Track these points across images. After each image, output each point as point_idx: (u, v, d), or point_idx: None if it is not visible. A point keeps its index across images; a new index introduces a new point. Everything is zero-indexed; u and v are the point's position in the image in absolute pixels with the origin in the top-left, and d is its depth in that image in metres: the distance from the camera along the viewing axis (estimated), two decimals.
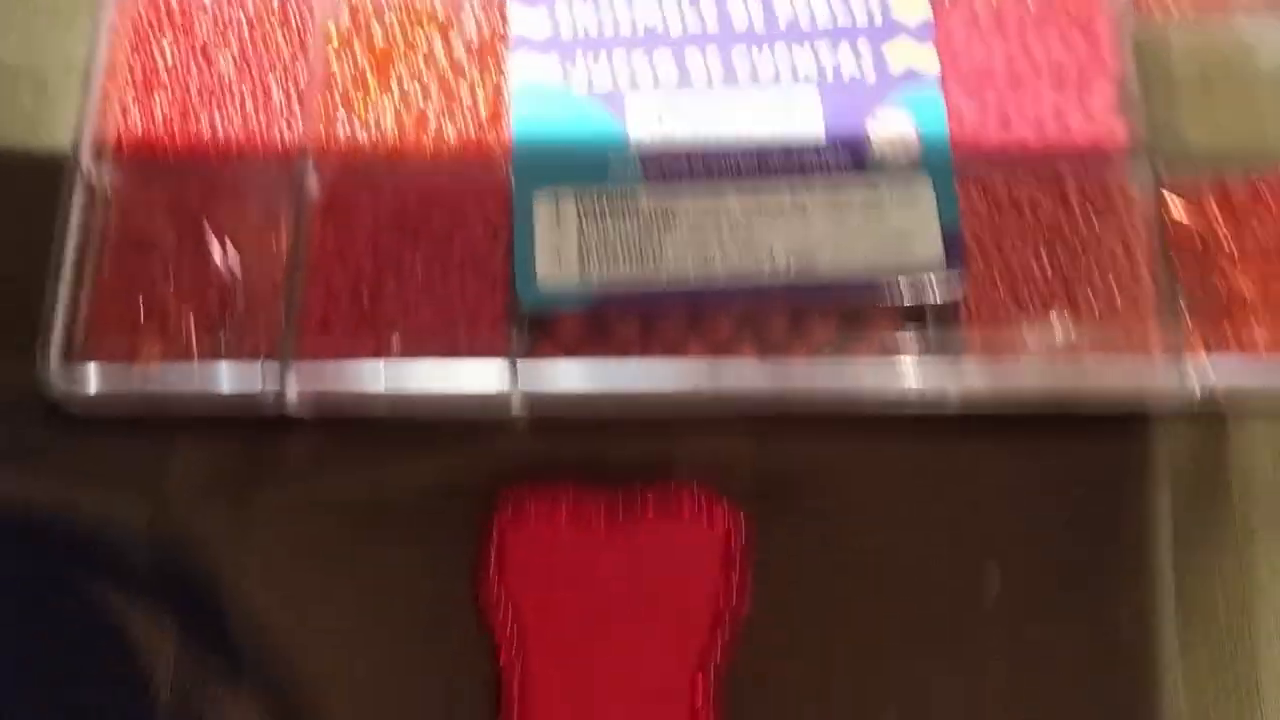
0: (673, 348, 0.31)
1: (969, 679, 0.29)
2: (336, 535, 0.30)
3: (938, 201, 0.30)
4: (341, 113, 0.32)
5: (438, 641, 0.30)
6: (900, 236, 0.30)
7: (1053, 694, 0.29)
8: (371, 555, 0.30)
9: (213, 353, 0.30)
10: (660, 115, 0.32)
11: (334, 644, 0.30)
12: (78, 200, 0.31)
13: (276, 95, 0.33)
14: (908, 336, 0.30)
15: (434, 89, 0.33)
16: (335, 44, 0.33)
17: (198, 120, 0.33)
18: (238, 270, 0.31)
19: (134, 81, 0.33)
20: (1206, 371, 0.30)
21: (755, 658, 0.29)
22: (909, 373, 0.30)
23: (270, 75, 0.33)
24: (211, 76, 0.33)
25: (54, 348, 0.30)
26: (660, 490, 0.30)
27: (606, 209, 0.31)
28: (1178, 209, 0.31)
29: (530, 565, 0.30)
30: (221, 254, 0.31)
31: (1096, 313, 0.30)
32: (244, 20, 0.34)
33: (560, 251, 0.30)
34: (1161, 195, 0.31)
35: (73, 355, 0.30)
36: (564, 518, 0.30)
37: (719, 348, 0.31)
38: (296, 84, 0.33)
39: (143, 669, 0.30)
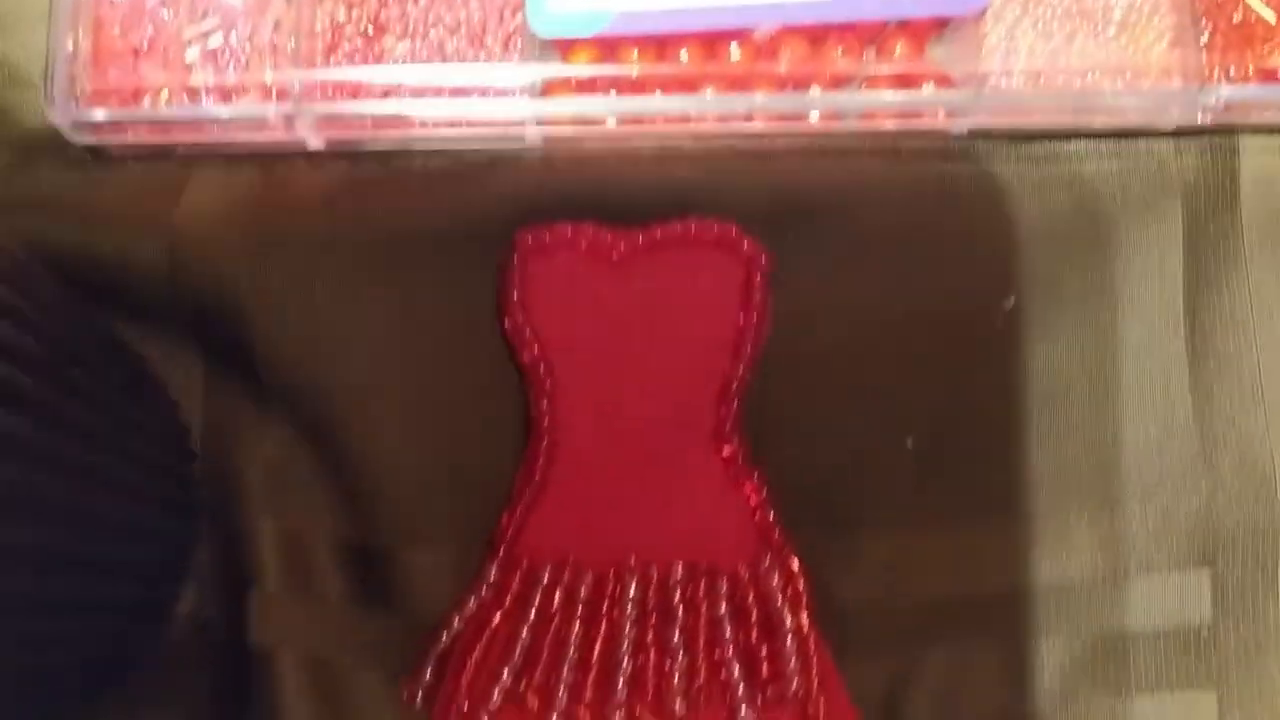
0: (689, 81, 0.30)
1: (985, 402, 0.30)
2: (355, 269, 0.30)
3: None
4: None
5: (464, 373, 0.30)
6: None
7: (1067, 411, 0.30)
8: (394, 290, 0.30)
9: (222, 85, 0.30)
10: None
11: (359, 376, 0.30)
12: None
13: None
14: (927, 62, 0.30)
15: None
16: None
17: None
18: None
19: None
20: (1224, 96, 0.30)
21: (774, 384, 0.30)
22: (928, 99, 0.30)
23: None
24: None
25: (59, 87, 0.29)
26: (679, 220, 0.30)
27: None
28: None
29: (553, 296, 0.30)
30: None
31: (1116, 37, 0.30)
32: None
33: None
34: None
35: (79, 94, 0.30)
36: (584, 248, 0.30)
37: (736, 78, 0.30)
38: None
39: (173, 407, 0.30)
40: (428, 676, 0.29)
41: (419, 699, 0.29)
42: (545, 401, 0.29)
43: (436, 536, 0.30)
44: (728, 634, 0.28)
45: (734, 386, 0.29)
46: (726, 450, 0.29)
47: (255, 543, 0.30)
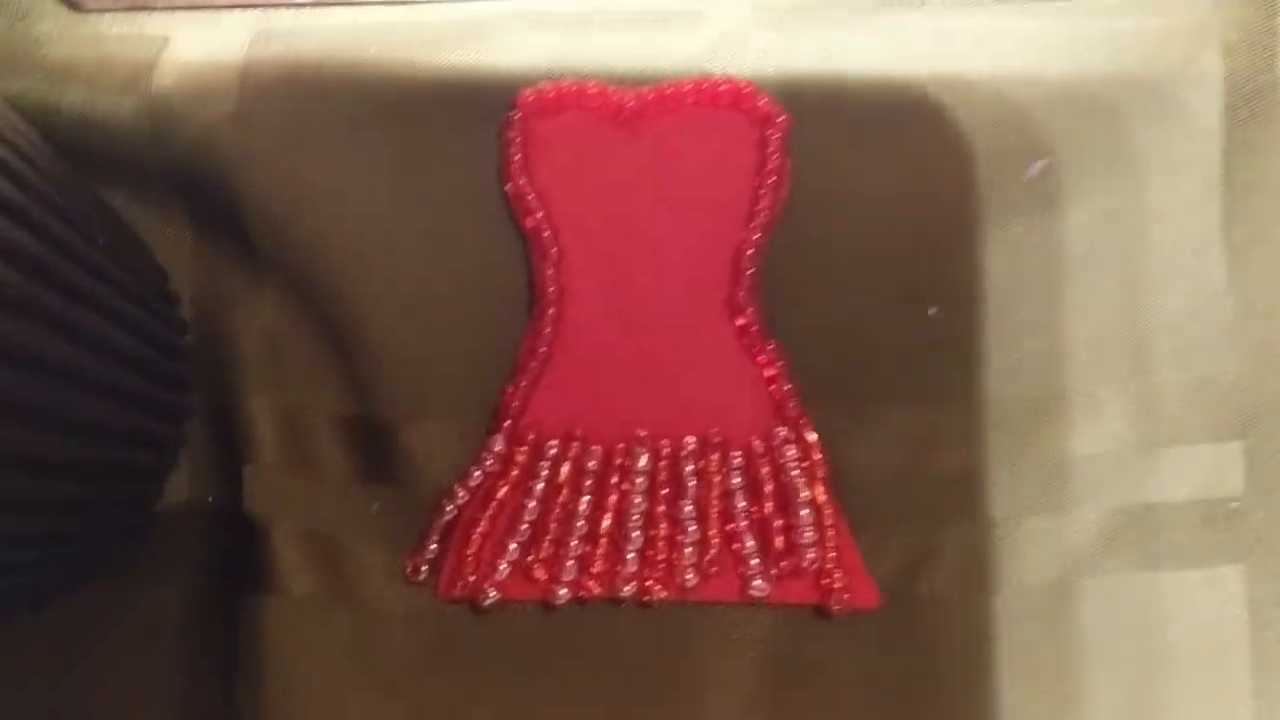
0: None
1: (1010, 271, 0.29)
2: (348, 129, 0.28)
3: None
4: None
5: (466, 240, 0.29)
6: None
7: (1096, 279, 0.29)
8: (389, 150, 0.28)
9: None
10: None
11: (354, 243, 0.28)
12: None
13: None
14: None
15: None
16: None
17: None
18: None
19: None
20: None
21: (791, 254, 0.29)
22: None
23: None
24: None
25: None
26: (693, 79, 0.28)
27: None
28: None
29: (557, 158, 0.28)
30: None
31: None
32: None
33: None
34: None
35: None
36: (591, 107, 0.28)
37: None
38: None
39: (161, 275, 0.29)
40: (431, 550, 0.28)
41: (422, 572, 0.28)
42: (550, 269, 0.28)
43: (439, 411, 0.28)
44: (741, 507, 0.27)
45: (749, 253, 0.28)
46: (740, 319, 0.28)
47: (251, 418, 0.28)
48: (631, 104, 0.28)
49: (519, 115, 0.28)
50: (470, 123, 0.29)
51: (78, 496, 0.25)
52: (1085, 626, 0.28)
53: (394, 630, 0.28)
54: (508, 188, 0.28)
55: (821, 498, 0.27)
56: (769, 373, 0.28)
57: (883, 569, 0.28)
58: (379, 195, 0.28)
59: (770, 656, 0.28)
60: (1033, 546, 0.28)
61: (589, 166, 0.29)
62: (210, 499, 0.29)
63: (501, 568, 0.27)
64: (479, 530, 0.27)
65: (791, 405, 0.28)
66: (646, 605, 0.27)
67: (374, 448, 0.29)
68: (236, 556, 0.28)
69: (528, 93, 0.28)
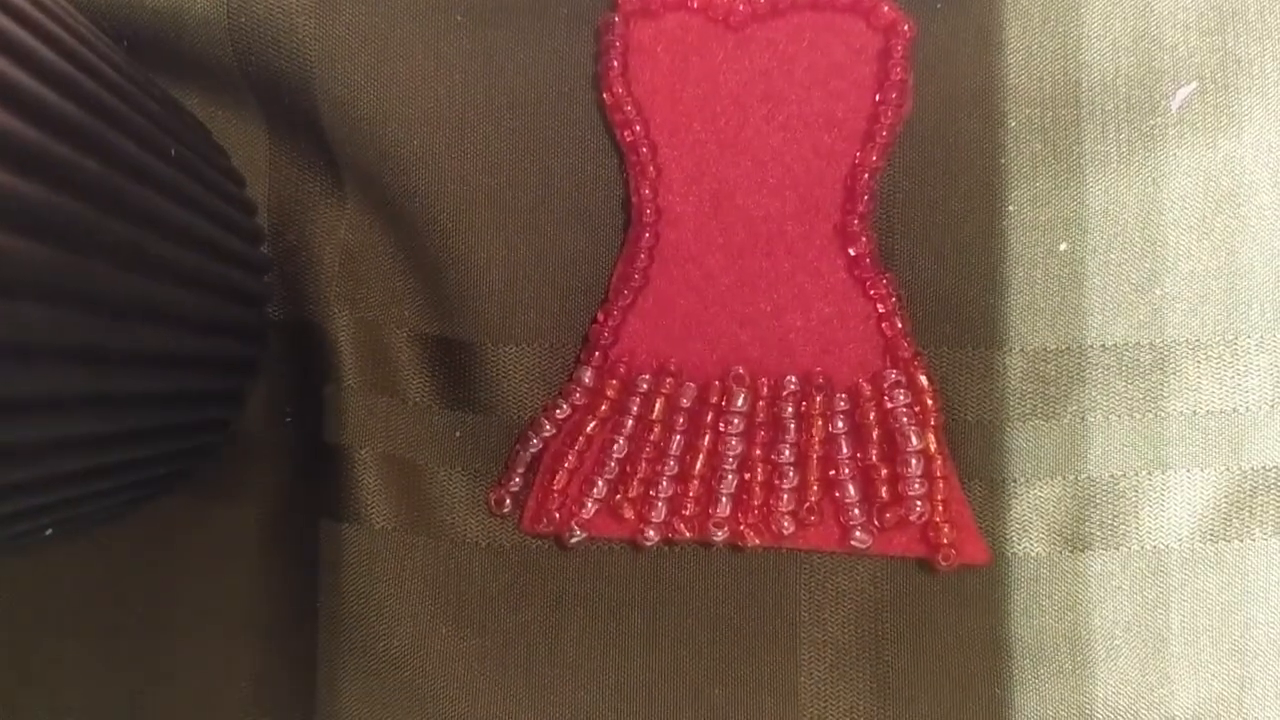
0: None
1: (1150, 203, 0.26)
2: (434, 28, 0.26)
3: None
4: None
5: (557, 151, 0.27)
6: None
7: (1246, 213, 0.26)
8: (477, 52, 0.26)
9: None
10: None
11: (437, 152, 0.26)
12: None
13: None
14: None
15: None
16: None
17: None
18: None
19: None
20: None
21: (910, 179, 0.26)
22: None
23: None
24: None
25: None
26: None
27: None
28: None
29: (659, 66, 0.26)
30: None
31: None
32: None
33: None
34: None
35: None
36: (697, 9, 0.26)
37: None
38: None
39: (238, 180, 0.27)
40: (515, 484, 0.27)
41: (506, 505, 0.27)
42: (647, 188, 0.26)
43: (525, 333, 0.27)
44: (844, 453, 0.26)
45: (866, 176, 0.26)
46: (853, 249, 0.26)
47: (331, 335, 0.27)
48: (742, 7, 0.26)
49: (618, 16, 0.26)
50: (565, 22, 0.26)
51: (152, 406, 0.24)
52: (1200, 594, 0.26)
53: (475, 563, 0.27)
54: (604, 96, 0.26)
55: (932, 446, 0.25)
56: (881, 309, 0.26)
57: (990, 524, 0.26)
58: (466, 99, 0.26)
59: (868, 610, 0.26)
60: (1146, 507, 0.26)
61: (694, 75, 0.26)
62: (288, 418, 0.28)
63: (588, 506, 0.26)
64: (566, 466, 0.26)
65: (904, 345, 0.26)
66: (739, 550, 0.26)
67: (457, 370, 0.27)
68: (315, 477, 0.28)
69: None
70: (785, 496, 0.26)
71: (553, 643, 0.27)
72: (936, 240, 0.26)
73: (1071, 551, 0.26)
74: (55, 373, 0.19)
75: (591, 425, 0.26)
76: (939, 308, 0.26)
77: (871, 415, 0.26)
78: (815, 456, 0.26)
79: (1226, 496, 0.26)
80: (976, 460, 0.26)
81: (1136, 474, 0.26)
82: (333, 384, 0.27)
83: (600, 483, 0.26)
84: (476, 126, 0.26)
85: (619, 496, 0.26)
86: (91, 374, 0.20)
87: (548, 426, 0.26)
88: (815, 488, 0.26)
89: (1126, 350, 0.26)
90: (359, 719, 0.27)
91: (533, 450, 0.26)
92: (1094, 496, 0.26)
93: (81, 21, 0.22)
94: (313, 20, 0.26)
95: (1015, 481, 0.26)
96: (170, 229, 0.23)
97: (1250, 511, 0.26)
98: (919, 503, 0.25)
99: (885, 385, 0.26)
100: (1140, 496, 0.26)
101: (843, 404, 0.26)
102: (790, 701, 0.26)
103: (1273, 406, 0.26)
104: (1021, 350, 0.26)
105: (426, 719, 0.27)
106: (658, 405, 0.26)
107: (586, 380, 0.26)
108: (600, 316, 0.26)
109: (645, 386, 0.26)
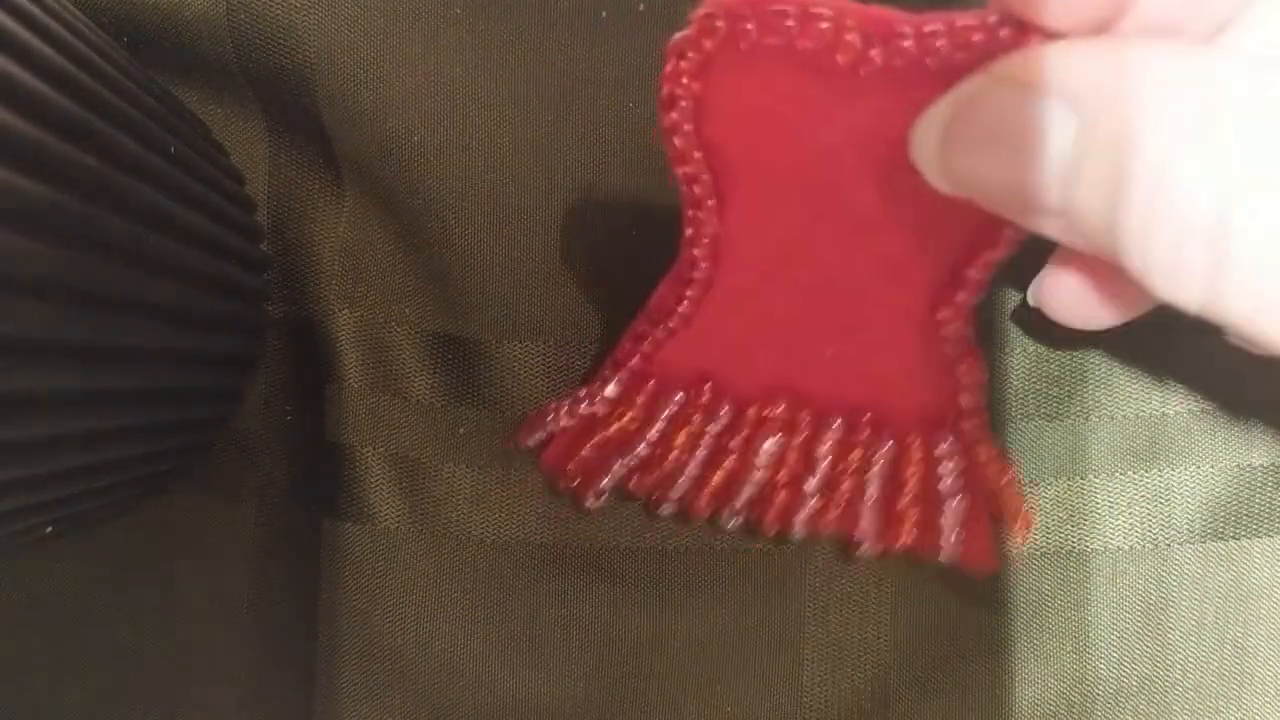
0: None
1: None
2: (444, 18, 0.26)
3: None
4: None
5: (573, 153, 0.26)
6: None
7: None
8: (486, 47, 0.26)
9: None
10: None
11: (442, 145, 0.26)
12: None
13: None
14: None
15: None
16: None
17: None
18: None
19: None
20: None
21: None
22: None
23: None
24: None
25: None
26: (942, 17, 0.18)
27: None
28: None
29: (743, 100, 0.20)
30: None
31: None
32: None
33: None
34: None
35: None
36: (801, 57, 0.19)
37: None
38: None
39: (236, 176, 0.27)
40: (536, 439, 0.26)
41: (533, 441, 0.26)
42: (702, 226, 0.22)
43: (528, 329, 0.27)
44: (872, 495, 0.25)
45: (987, 261, 0.21)
46: (951, 332, 0.23)
47: (332, 332, 0.27)
48: (855, 36, 0.19)
49: (698, 30, 0.19)
50: (567, 16, 0.26)
51: (151, 400, 0.24)
52: (1202, 591, 0.26)
53: (481, 559, 0.27)
54: (666, 119, 0.21)
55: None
56: (964, 382, 0.23)
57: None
58: (467, 94, 0.26)
59: (871, 611, 0.26)
60: (1148, 505, 0.26)
61: (783, 118, 0.20)
62: (288, 416, 0.28)
63: (604, 483, 0.26)
64: (587, 447, 0.26)
65: (973, 424, 0.24)
66: (745, 550, 0.26)
67: (460, 367, 0.27)
68: (316, 474, 0.27)
69: (711, 12, 0.19)
70: (802, 513, 0.25)
71: (558, 640, 0.27)
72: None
73: (1075, 550, 0.26)
74: (53, 369, 0.19)
75: (612, 428, 0.25)
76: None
77: (910, 472, 0.25)
78: (843, 490, 0.25)
79: (1229, 494, 0.26)
80: None
81: (1138, 472, 0.26)
82: (334, 382, 0.27)
83: (618, 466, 0.25)
84: (478, 121, 0.26)
85: (634, 483, 0.26)
86: (90, 370, 0.20)
87: (566, 419, 0.25)
88: (834, 515, 0.25)
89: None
90: (359, 716, 0.27)
91: (549, 428, 0.26)
92: (1098, 495, 0.26)
93: (80, 18, 0.22)
94: (312, 16, 0.26)
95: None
96: (169, 226, 0.22)
97: (1252, 509, 0.26)
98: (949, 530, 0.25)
99: (938, 451, 0.24)
100: (1142, 494, 0.26)
101: (885, 452, 0.25)
102: (793, 701, 0.26)
103: (1276, 402, 0.26)
104: (1023, 350, 0.26)
105: (428, 717, 0.27)
106: (681, 434, 0.25)
107: (609, 393, 0.25)
108: (629, 341, 0.24)
109: (675, 405, 0.25)
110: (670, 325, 0.24)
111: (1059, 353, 0.26)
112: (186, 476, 0.28)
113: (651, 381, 0.25)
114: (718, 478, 0.25)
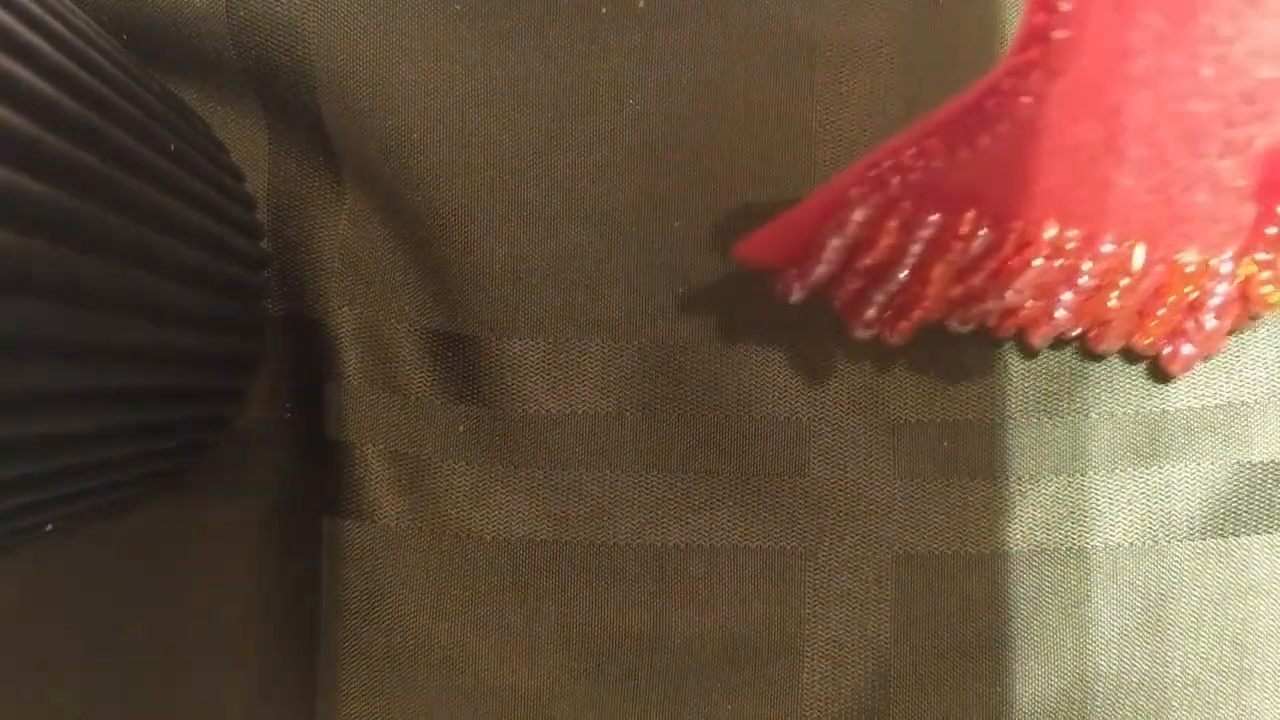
0: None
1: None
2: (445, 14, 0.26)
3: None
4: None
5: (566, 148, 0.26)
6: None
7: None
8: (488, 43, 0.26)
9: None
10: None
11: (441, 142, 0.26)
12: None
13: None
14: None
15: None
16: None
17: None
18: None
19: None
20: None
21: None
22: None
23: None
24: None
25: None
26: None
27: None
28: None
29: None
30: None
31: None
32: None
33: None
34: None
35: None
36: None
37: None
38: None
39: (237, 175, 0.27)
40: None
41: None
42: (1046, 23, 0.19)
43: (528, 327, 0.27)
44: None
45: None
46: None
47: (332, 330, 0.27)
48: None
49: None
50: (567, 12, 0.26)
51: (154, 412, 0.24)
52: (1202, 588, 0.26)
53: (481, 557, 0.27)
54: None
55: None
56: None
57: (993, 521, 0.26)
58: (468, 90, 0.26)
59: (871, 608, 0.26)
60: (1148, 502, 0.26)
61: None
62: (288, 413, 0.28)
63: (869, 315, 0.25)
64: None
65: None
66: (746, 549, 0.26)
67: (460, 364, 0.27)
68: (316, 472, 0.27)
69: None
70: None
71: (558, 637, 0.27)
72: None
73: (1075, 547, 0.26)
74: (52, 368, 0.19)
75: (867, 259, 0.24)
76: None
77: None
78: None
79: (1229, 491, 0.26)
80: (979, 459, 0.26)
81: (1138, 469, 0.26)
82: (334, 380, 0.27)
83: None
84: (478, 118, 0.26)
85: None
86: (89, 369, 0.20)
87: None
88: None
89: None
90: (361, 714, 0.27)
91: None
92: (1098, 491, 0.26)
93: (80, 15, 0.22)
94: (312, 13, 0.26)
95: (1019, 479, 0.26)
96: (169, 224, 0.22)
97: (1252, 506, 0.26)
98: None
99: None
100: (1142, 491, 0.26)
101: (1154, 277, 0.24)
102: (793, 699, 0.26)
103: (1277, 399, 0.26)
104: (1023, 346, 0.26)
105: (429, 715, 0.27)
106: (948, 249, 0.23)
107: (857, 215, 0.23)
108: (886, 151, 0.22)
109: (926, 231, 0.23)
110: (958, 149, 0.21)
111: (1059, 349, 0.26)
112: (188, 475, 0.28)
113: (907, 203, 0.23)
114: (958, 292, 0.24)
